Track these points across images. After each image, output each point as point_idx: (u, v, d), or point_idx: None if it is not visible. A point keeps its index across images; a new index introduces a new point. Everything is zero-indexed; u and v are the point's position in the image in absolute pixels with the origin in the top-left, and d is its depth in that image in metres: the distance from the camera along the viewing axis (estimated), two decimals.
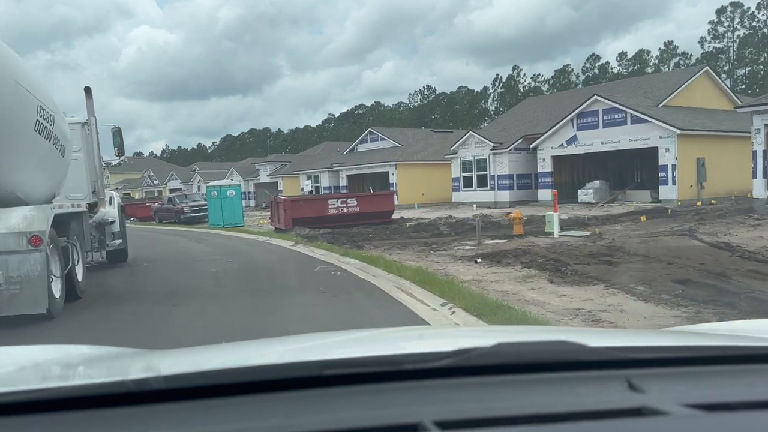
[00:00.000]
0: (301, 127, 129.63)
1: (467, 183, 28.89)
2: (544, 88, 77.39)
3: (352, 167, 36.39)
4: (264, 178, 50.84)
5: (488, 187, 27.88)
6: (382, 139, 37.83)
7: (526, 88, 79.55)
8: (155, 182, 72.80)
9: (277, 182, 48.06)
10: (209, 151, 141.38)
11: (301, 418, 0.82)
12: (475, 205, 27.33)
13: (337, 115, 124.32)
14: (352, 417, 0.82)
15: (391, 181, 32.95)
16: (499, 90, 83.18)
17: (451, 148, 30.07)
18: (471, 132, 28.83)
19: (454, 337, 1.55)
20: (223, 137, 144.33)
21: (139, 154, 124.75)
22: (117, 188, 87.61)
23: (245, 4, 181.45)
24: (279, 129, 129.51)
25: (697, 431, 0.80)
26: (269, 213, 24.27)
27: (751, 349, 1.16)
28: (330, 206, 21.83)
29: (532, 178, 27.63)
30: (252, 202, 53.02)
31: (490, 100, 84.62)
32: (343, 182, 37.49)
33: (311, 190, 35.08)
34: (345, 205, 21.98)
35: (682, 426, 0.81)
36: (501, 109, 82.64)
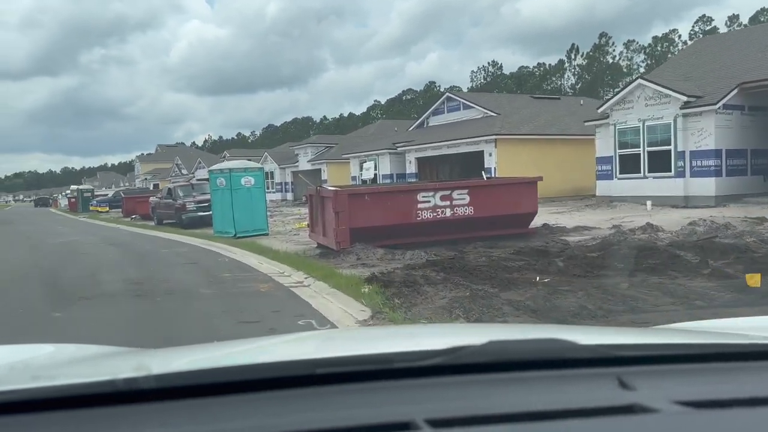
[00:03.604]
0: (346, 114, 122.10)
1: (629, 166, 17.94)
2: (640, 58, 64.99)
3: (426, 146, 25.80)
4: (304, 164, 40.91)
5: (672, 173, 16.87)
6: (468, 107, 27.02)
7: (616, 58, 67.17)
8: (183, 171, 64.38)
9: (320, 169, 38.06)
10: (250, 141, 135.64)
11: (293, 417, 0.81)
12: (649, 202, 16.48)
13: (383, 101, 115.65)
14: (344, 415, 0.81)
15: (486, 165, 22.34)
16: (579, 62, 70.97)
17: (599, 110, 19.12)
18: (641, 81, 17.77)
19: (446, 335, 1.52)
20: (264, 127, 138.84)
21: (180, 145, 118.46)
22: (146, 178, 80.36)
23: None
24: (324, 116, 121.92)
25: (687, 428, 0.80)
26: (308, 213, 14.13)
27: (740, 346, 1.15)
28: (420, 205, 11.47)
29: (747, 157, 16.54)
30: (289, 195, 43.20)
31: (566, 76, 72.56)
32: (411, 168, 27.01)
33: (373, 178, 24.69)
34: (448, 202, 11.60)
35: (672, 423, 0.80)
36: (577, 85, 70.72)
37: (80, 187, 49.15)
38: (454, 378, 0.93)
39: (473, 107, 26.80)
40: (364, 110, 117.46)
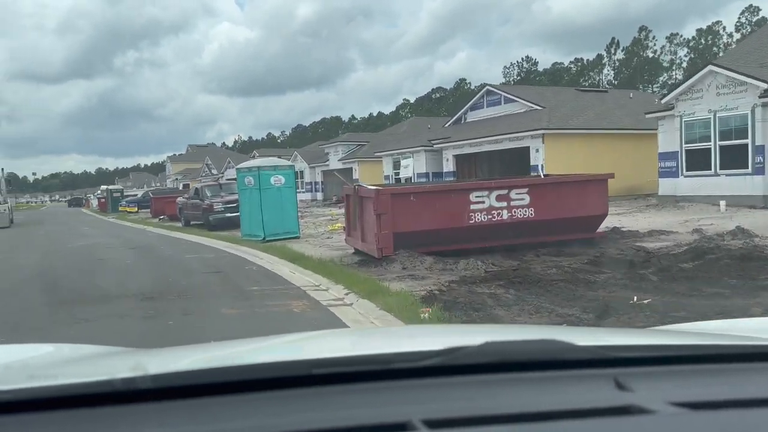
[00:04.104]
0: (375, 114, 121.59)
1: (697, 162, 16.16)
2: (683, 52, 62.11)
3: (464, 143, 24.23)
4: (335, 163, 39.73)
5: (749, 169, 15.05)
6: (509, 101, 25.34)
7: (657, 52, 64.41)
8: (213, 171, 63.96)
9: (351, 168, 36.81)
10: (279, 141, 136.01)
11: (290, 418, 0.81)
12: (722, 203, 14.73)
13: (412, 100, 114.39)
14: (341, 416, 0.81)
15: (533, 162, 20.73)
16: (619, 56, 68.31)
17: (662, 101, 17.38)
18: (712, 67, 15.91)
19: (443, 335, 1.52)
20: (294, 127, 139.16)
21: (211, 145, 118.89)
22: (176, 178, 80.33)
23: None
24: (352, 115, 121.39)
25: (683, 430, 0.79)
26: (345, 215, 12.88)
27: (737, 347, 1.15)
28: (473, 206, 10.04)
29: None
30: (319, 195, 42.11)
31: (604, 71, 69.94)
32: (449, 166, 25.49)
33: (411, 177, 23.15)
34: (505, 203, 10.14)
35: (669, 424, 0.80)
36: (615, 81, 68.14)
37: (110, 187, 48.85)
38: (452, 379, 0.92)
39: (516, 101, 25.09)
40: (393, 109, 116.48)
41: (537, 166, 20.60)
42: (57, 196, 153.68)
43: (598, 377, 0.95)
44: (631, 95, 27.84)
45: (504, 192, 10.17)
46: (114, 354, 1.49)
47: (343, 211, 27.23)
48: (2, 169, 30.16)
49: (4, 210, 27.56)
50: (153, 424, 0.80)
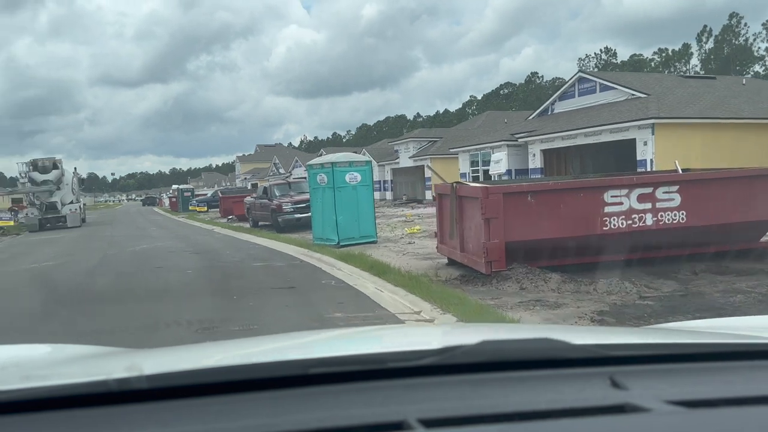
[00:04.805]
0: (441, 111, 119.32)
1: None
2: None
3: (554, 136, 21.68)
4: (405, 161, 37.90)
5: None
6: (606, 89, 22.54)
7: (750, 41, 59.02)
8: (280, 171, 63.68)
9: (423, 166, 34.84)
10: (344, 140, 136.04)
11: (286, 417, 0.81)
12: None
13: (479, 97, 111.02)
14: (337, 415, 0.81)
15: (640, 157, 18.08)
16: (710, 45, 63.06)
17: None
18: None
19: (439, 335, 1.50)
20: (358, 127, 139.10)
21: (278, 144, 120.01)
22: (245, 178, 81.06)
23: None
24: (417, 113, 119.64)
25: (678, 428, 0.79)
26: (437, 218, 11.01)
27: (731, 346, 1.15)
28: (608, 209, 7.92)
29: None
30: (389, 194, 40.37)
31: (693, 61, 64.82)
32: (535, 162, 23.04)
33: (502, 173, 20.88)
34: (649, 204, 7.98)
35: (663, 423, 0.80)
36: (701, 72, 62.87)
37: (180, 186, 49.01)
38: (448, 378, 0.92)
39: (614, 88, 22.31)
40: (459, 107, 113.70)
41: (645, 160, 17.97)
42: (133, 195, 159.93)
43: (593, 376, 0.94)
44: (744, 82, 24.52)
45: (648, 191, 7.99)
46: (110, 354, 1.46)
47: (417, 211, 25.17)
48: (75, 168, 30.11)
49: (76, 210, 27.40)
50: (149, 425, 0.79)
